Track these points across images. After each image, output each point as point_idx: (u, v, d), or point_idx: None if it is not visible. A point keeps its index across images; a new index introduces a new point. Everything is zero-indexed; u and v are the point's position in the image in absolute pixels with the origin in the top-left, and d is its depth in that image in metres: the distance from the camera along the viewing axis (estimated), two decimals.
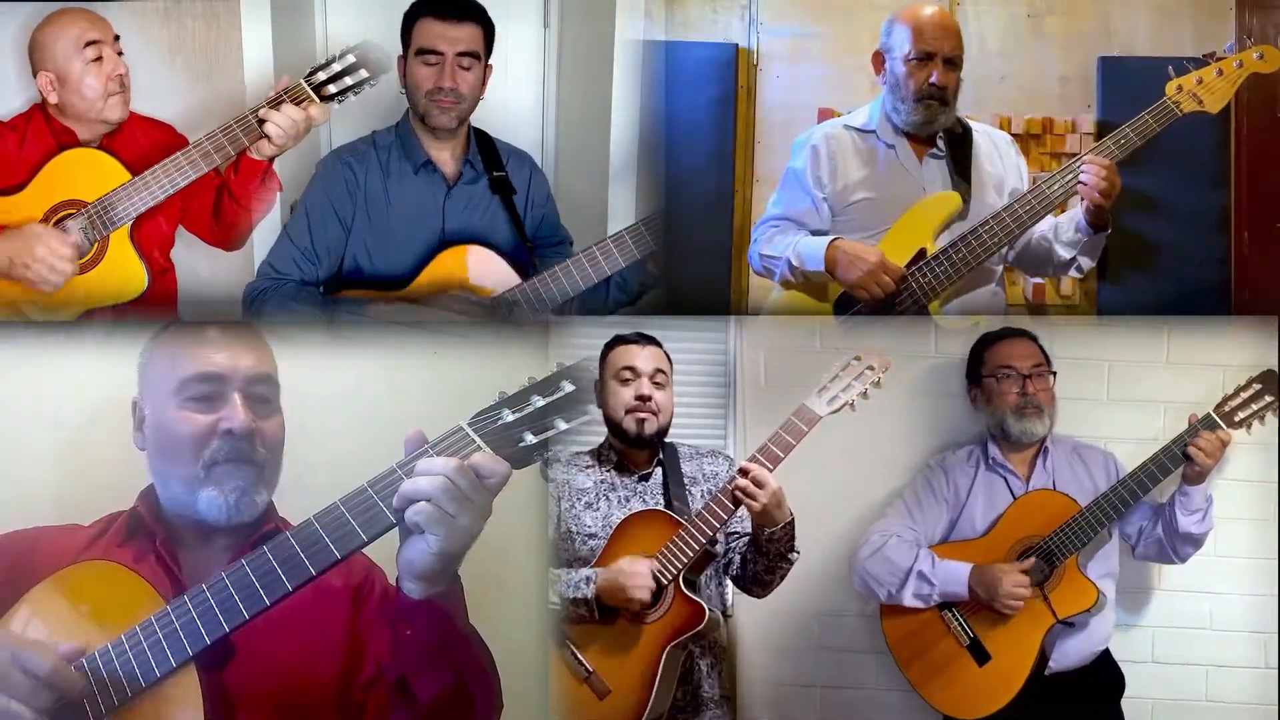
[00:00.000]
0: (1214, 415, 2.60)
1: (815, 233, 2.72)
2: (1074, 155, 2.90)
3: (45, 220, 2.56)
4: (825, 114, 3.09)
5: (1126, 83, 3.11)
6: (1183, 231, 2.99)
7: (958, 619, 2.65)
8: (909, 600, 2.66)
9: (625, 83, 2.93)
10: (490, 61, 2.70)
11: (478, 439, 1.66)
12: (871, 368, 2.41)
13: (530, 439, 1.66)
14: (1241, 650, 2.90)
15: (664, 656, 2.36)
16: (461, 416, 1.70)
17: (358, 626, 1.92)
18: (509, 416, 1.68)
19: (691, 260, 2.99)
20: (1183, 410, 2.67)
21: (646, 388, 2.52)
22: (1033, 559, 2.60)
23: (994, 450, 2.76)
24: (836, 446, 2.76)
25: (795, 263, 2.68)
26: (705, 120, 3.11)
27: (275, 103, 2.54)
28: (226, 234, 2.73)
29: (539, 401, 1.68)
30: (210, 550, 1.90)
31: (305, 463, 2.00)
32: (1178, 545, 2.68)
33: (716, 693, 2.51)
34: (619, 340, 2.57)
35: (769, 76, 3.17)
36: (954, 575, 2.62)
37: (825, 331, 2.87)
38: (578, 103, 3.09)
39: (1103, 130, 3.08)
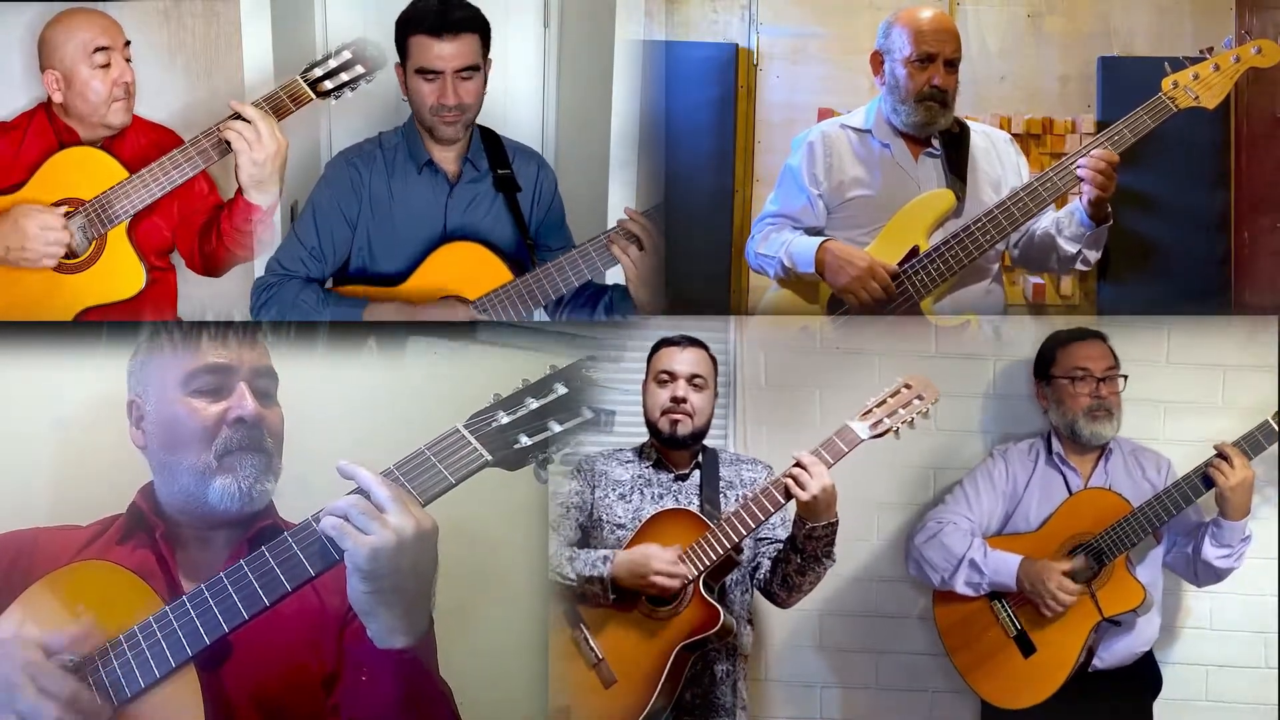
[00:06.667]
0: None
1: (810, 231, 2.72)
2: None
3: None
4: (825, 114, 3.08)
5: (1126, 83, 3.10)
6: (1183, 231, 2.98)
7: (1006, 610, 2.66)
8: (960, 587, 2.67)
9: (625, 82, 2.92)
10: (489, 56, 2.69)
11: (474, 441, 1.67)
12: (921, 398, 2.37)
13: (525, 441, 1.67)
14: (1241, 650, 2.90)
15: (673, 656, 2.36)
16: (460, 418, 1.70)
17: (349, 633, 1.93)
18: (504, 419, 1.69)
19: (691, 260, 2.99)
20: (1183, 410, 2.66)
21: (682, 390, 2.54)
22: (1080, 556, 2.61)
23: (1058, 447, 2.75)
24: None
25: (787, 263, 2.69)
26: (705, 120, 3.11)
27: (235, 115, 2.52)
28: (206, 262, 2.72)
29: (533, 404, 1.70)
30: (209, 548, 1.92)
31: (305, 463, 2.00)
32: (1199, 570, 2.69)
33: (730, 700, 2.50)
34: (664, 342, 2.60)
35: (769, 76, 3.17)
36: (1004, 566, 2.64)
37: (826, 331, 2.87)
38: (578, 103, 3.08)
39: (1102, 130, 3.08)
